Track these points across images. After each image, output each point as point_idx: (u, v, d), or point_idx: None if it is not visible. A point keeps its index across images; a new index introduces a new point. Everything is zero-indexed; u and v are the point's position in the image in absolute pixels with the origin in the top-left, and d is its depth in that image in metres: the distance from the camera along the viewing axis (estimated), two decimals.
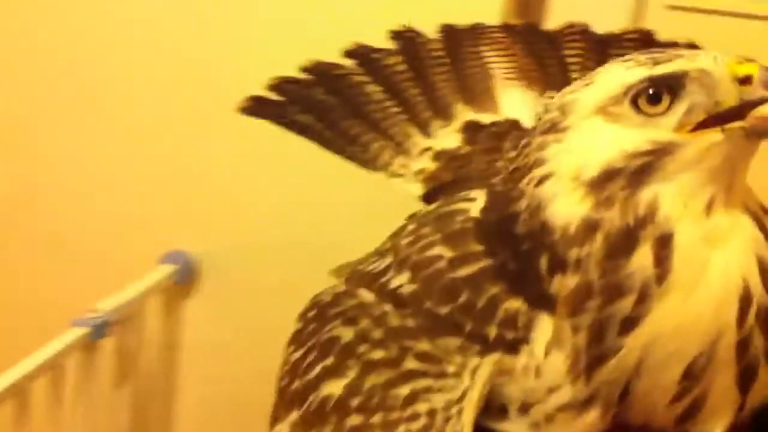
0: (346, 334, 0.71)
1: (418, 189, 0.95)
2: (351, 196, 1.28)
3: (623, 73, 0.62)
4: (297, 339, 0.77)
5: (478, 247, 0.68)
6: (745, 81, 0.59)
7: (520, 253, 0.65)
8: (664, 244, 0.59)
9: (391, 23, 1.08)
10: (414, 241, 0.74)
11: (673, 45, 1.09)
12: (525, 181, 0.65)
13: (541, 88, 1.04)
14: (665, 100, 0.60)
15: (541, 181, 0.64)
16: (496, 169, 0.92)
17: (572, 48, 1.11)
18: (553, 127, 0.64)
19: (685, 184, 0.60)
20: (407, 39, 1.10)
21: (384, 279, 0.73)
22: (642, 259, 0.60)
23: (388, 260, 0.75)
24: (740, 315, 0.59)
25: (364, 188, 1.06)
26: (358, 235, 0.84)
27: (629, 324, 0.60)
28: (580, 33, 1.12)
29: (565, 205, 0.62)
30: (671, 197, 0.60)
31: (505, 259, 0.66)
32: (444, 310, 0.67)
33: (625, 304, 0.60)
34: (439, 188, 0.92)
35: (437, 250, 0.70)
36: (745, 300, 0.58)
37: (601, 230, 0.60)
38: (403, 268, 0.72)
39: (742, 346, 0.60)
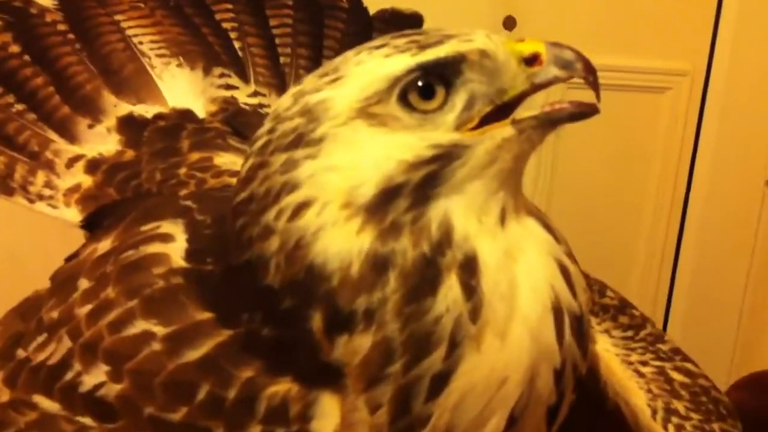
0: None
1: (74, 214, 0.71)
2: None
3: (382, 63, 0.47)
4: None
5: (205, 315, 0.48)
6: (532, 61, 0.47)
7: (277, 314, 0.46)
8: (470, 270, 0.46)
9: None
10: (96, 310, 0.51)
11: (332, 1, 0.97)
12: (271, 213, 0.46)
13: (204, 64, 0.84)
14: (439, 93, 0.47)
15: (298, 211, 0.46)
16: (180, 180, 0.72)
17: (224, 11, 0.92)
18: (300, 139, 0.47)
19: (476, 195, 0.47)
20: (14, 11, 0.83)
21: (68, 376, 0.50)
22: (449, 293, 0.45)
23: (64, 344, 0.51)
24: (558, 331, 0.48)
25: None
26: None
27: (439, 382, 0.46)
28: None
29: (338, 239, 0.45)
30: (463, 212, 0.47)
31: (254, 327, 0.47)
32: (177, 415, 0.47)
33: (436, 358, 0.45)
34: (104, 211, 0.68)
35: (140, 326, 0.49)
36: (558, 311, 0.48)
37: (393, 267, 0.45)
38: (95, 356, 0.49)
39: (561, 369, 0.49)
